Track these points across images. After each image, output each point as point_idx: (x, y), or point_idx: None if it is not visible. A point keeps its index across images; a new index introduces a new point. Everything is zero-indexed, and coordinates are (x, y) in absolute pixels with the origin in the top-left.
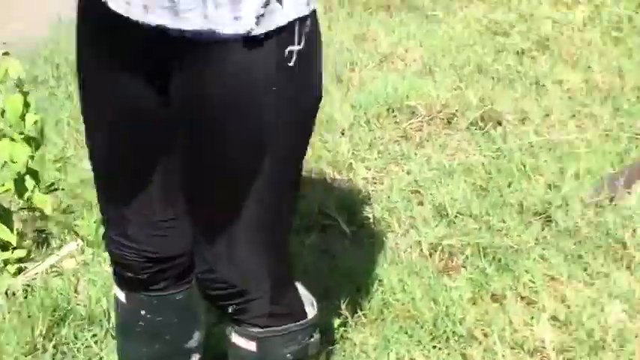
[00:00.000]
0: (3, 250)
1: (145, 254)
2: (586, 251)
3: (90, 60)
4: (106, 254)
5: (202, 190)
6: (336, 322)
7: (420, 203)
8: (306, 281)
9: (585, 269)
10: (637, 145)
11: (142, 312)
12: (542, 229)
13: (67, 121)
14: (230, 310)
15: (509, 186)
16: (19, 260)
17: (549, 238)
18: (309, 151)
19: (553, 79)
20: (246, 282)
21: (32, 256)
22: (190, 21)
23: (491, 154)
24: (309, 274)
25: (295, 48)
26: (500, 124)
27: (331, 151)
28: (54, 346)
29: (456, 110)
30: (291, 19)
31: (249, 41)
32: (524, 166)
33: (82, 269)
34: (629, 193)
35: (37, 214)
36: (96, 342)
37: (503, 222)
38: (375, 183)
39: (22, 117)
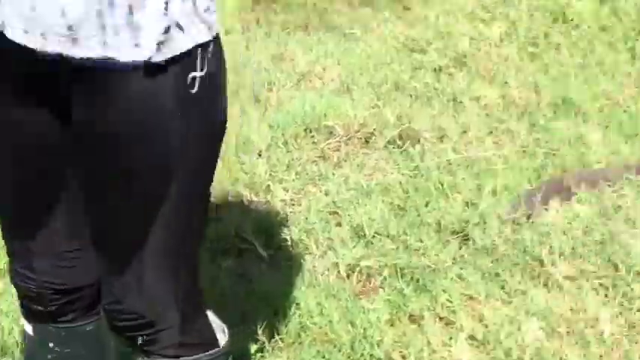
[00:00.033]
0: None
1: (52, 286)
2: (503, 269)
3: None
4: None
5: (109, 218)
6: (253, 347)
7: (338, 224)
8: (222, 306)
9: (503, 287)
10: (553, 161)
11: (51, 344)
12: (460, 248)
13: None
14: (139, 342)
15: (426, 205)
16: None
17: (467, 256)
18: (226, 174)
19: (470, 96)
20: (154, 311)
21: None
22: (90, 49)
23: (409, 172)
24: (225, 298)
25: (198, 74)
26: (418, 141)
27: (248, 172)
28: None
29: (374, 129)
30: (192, 46)
31: (151, 68)
32: (442, 184)
33: None
34: (546, 209)
35: None
36: None
37: (421, 241)
38: (292, 204)
39: None
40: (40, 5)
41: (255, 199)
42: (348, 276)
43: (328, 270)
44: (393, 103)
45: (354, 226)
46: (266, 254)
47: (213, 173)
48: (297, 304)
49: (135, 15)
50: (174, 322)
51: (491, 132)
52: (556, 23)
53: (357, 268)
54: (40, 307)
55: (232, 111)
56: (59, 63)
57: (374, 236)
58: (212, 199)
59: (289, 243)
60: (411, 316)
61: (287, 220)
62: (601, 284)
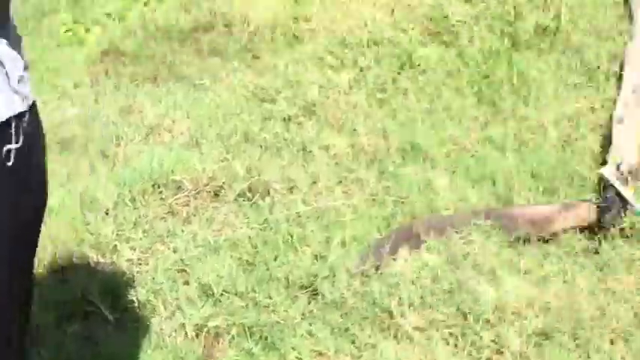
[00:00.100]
0: None
1: None
2: (353, 323)
3: None
4: None
5: None
6: None
7: (186, 283)
8: None
9: (353, 342)
10: (402, 209)
11: None
12: (309, 303)
13: None
14: None
15: (275, 259)
16: None
17: (316, 311)
18: (71, 234)
19: (320, 145)
20: None
21: None
22: None
23: (258, 226)
24: None
25: (13, 146)
26: (268, 193)
27: (94, 232)
28: None
29: (223, 182)
30: (6, 117)
31: None
32: (291, 237)
33: None
34: (394, 259)
35: None
36: None
37: (270, 297)
38: (140, 264)
39: None
40: None
41: (101, 259)
42: (196, 335)
43: (176, 331)
44: (242, 154)
45: (202, 284)
46: (112, 317)
47: (36, 240)
48: None
49: None
50: None
51: (341, 181)
52: (403, 69)
53: (205, 328)
54: None
55: (80, 168)
56: None
57: (222, 294)
58: (58, 261)
59: (136, 304)
60: None
61: (134, 281)
62: (451, 334)
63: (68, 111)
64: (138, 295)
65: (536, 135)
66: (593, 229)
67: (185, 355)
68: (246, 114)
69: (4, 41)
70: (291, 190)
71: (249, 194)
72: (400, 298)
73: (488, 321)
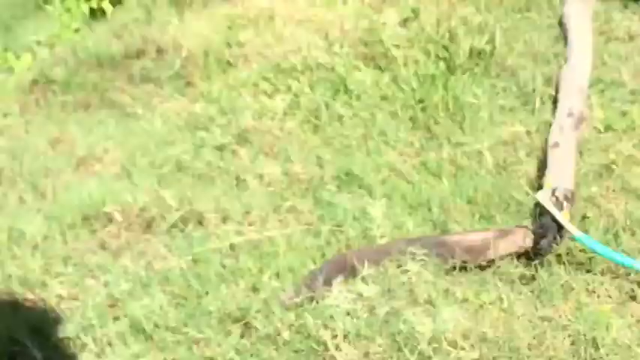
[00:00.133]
0: None
1: None
2: (287, 357)
3: None
4: None
5: None
6: None
7: (117, 318)
8: None
9: None
10: (338, 238)
11: None
12: (242, 337)
13: None
14: None
15: (207, 293)
16: None
17: (249, 345)
18: None
19: (254, 173)
20: None
21: None
22: None
23: (190, 258)
24: None
25: None
26: (201, 224)
27: (22, 268)
28: None
29: (156, 213)
30: None
31: None
32: (224, 269)
33: None
34: (329, 290)
35: None
36: None
37: (202, 332)
38: (70, 300)
39: None
40: None
41: (29, 295)
42: None
43: None
44: (175, 184)
45: (133, 319)
46: (41, 355)
47: None
48: None
49: None
50: None
51: (275, 210)
52: (338, 94)
53: None
54: None
55: (8, 201)
56: None
57: (153, 329)
58: None
59: (65, 342)
60: None
61: (63, 317)
62: None
63: None
64: (67, 332)
65: (471, 160)
66: (530, 256)
67: None
68: (179, 142)
69: None
70: (224, 220)
71: (181, 225)
72: (335, 331)
73: (423, 353)
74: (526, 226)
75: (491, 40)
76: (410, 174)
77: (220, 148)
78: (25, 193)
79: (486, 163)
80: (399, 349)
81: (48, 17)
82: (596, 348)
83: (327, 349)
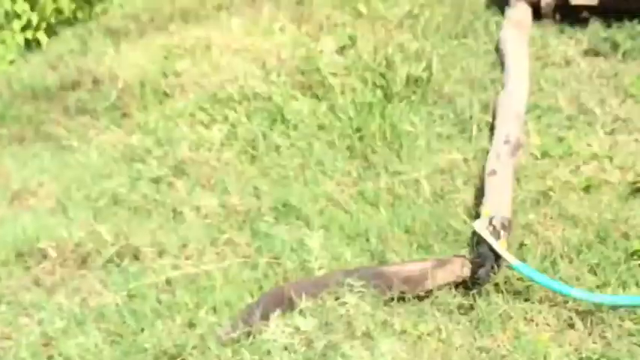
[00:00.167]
0: None
1: None
2: None
3: None
4: None
5: None
6: None
7: (50, 357)
8: None
9: None
10: (275, 270)
11: None
12: None
13: None
14: None
15: (143, 330)
16: None
17: None
18: None
19: (190, 206)
20: None
21: None
22: None
23: (126, 294)
24: None
25: None
26: (137, 259)
27: None
28: None
29: (91, 249)
30: None
31: None
32: (160, 304)
33: None
34: (266, 325)
35: None
36: None
37: None
38: (3, 339)
39: None
40: None
41: None
42: None
43: None
44: (111, 218)
45: (67, 358)
46: None
47: None
48: None
49: None
50: None
51: (212, 243)
52: (275, 124)
53: None
54: None
55: None
56: None
57: None
58: None
59: None
60: None
61: None
62: None
63: None
64: None
65: (409, 189)
66: (468, 285)
67: None
68: (115, 175)
69: None
70: (160, 254)
71: (117, 260)
72: None
73: None
74: (464, 256)
75: (429, 67)
76: (347, 204)
77: (157, 181)
78: None
79: (424, 191)
80: None
81: None
82: None
83: None
